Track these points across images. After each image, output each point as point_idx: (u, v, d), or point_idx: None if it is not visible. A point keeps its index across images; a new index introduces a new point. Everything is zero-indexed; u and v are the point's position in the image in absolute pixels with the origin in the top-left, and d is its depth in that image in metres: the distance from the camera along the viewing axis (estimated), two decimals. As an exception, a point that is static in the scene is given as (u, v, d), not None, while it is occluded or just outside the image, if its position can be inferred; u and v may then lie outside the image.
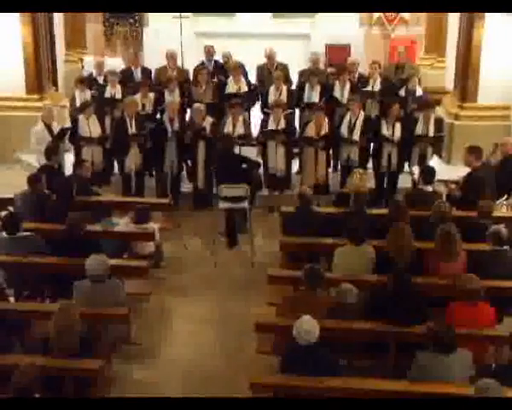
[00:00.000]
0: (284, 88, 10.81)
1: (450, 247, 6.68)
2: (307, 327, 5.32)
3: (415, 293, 6.11)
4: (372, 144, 10.11)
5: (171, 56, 11.58)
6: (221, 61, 11.86)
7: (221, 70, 11.68)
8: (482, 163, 8.76)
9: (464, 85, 11.35)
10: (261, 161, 10.13)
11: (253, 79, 11.64)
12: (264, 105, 10.98)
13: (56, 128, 10.02)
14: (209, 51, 11.79)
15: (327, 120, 9.98)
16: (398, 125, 9.85)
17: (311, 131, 9.91)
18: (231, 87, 11.00)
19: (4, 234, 7.23)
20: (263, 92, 11.10)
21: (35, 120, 10.36)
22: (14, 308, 6.73)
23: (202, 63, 11.74)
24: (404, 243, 6.70)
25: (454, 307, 5.99)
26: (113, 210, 8.90)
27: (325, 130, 9.87)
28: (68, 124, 10.60)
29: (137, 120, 9.97)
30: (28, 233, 7.27)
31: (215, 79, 11.30)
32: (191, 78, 11.53)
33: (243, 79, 11.11)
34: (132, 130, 9.90)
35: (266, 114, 10.65)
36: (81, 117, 10.00)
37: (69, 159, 10.19)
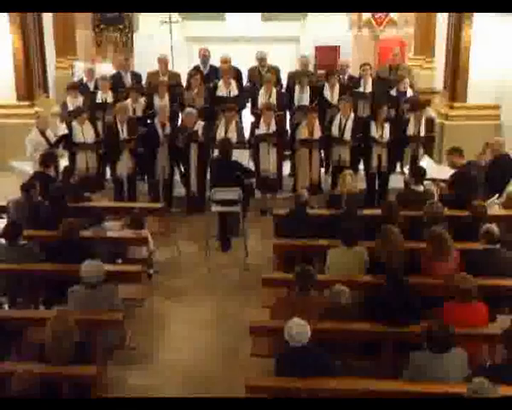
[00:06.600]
0: (274, 90, 10.83)
1: (441, 248, 6.69)
2: (298, 329, 5.32)
3: (410, 293, 6.14)
4: (362, 145, 10.15)
5: (162, 61, 11.55)
6: (216, 64, 11.64)
7: (217, 74, 11.49)
8: (468, 162, 8.83)
9: (454, 85, 11.41)
10: (254, 164, 10.14)
11: (244, 82, 11.64)
12: (255, 107, 10.99)
13: (51, 135, 10.02)
14: (204, 54, 11.65)
15: (317, 122, 10.03)
16: (386, 127, 9.88)
17: (303, 132, 9.95)
18: (221, 90, 11.00)
19: (4, 242, 7.21)
20: (253, 95, 11.12)
21: (26, 126, 10.35)
22: (9, 316, 6.71)
23: (197, 67, 11.62)
24: (392, 247, 6.67)
25: (449, 306, 6.02)
26: (107, 215, 8.88)
27: (318, 131, 9.92)
28: (61, 130, 10.58)
29: (129, 125, 9.97)
30: (26, 242, 7.25)
31: (211, 84, 11.13)
32: (183, 82, 11.51)
33: (233, 83, 11.07)
34: (124, 135, 9.91)
35: (256, 116, 10.67)
36: (75, 123, 9.99)
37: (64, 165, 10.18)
